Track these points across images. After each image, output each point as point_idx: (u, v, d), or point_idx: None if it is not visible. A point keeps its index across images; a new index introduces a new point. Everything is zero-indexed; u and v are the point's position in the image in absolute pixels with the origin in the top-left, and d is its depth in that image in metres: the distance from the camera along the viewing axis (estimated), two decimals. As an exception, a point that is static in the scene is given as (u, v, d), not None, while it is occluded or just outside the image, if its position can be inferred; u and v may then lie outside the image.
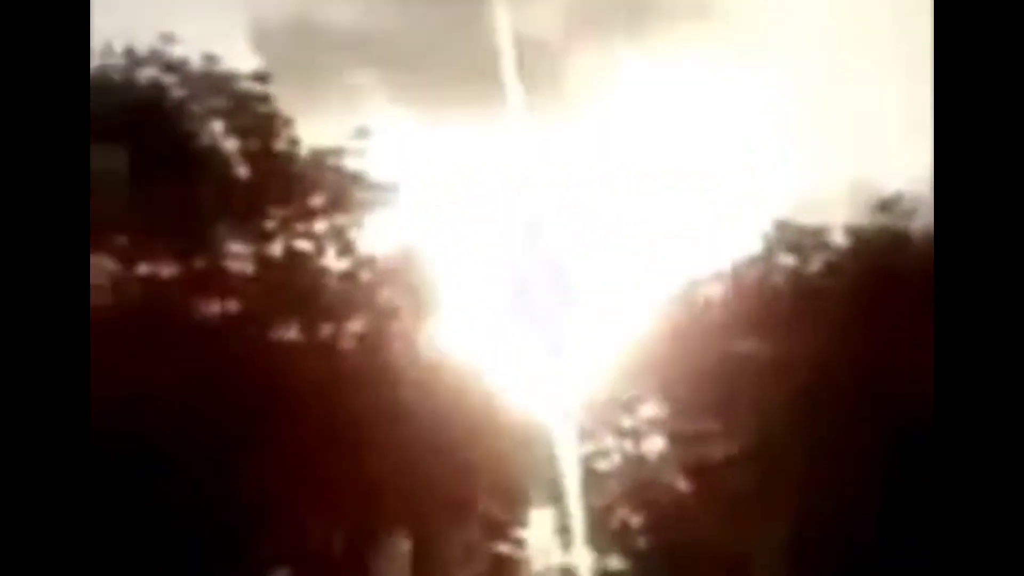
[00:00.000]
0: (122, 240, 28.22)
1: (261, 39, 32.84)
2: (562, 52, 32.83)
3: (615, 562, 33.34)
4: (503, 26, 30.96)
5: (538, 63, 31.69)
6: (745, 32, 33.64)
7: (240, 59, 30.12)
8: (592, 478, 32.35)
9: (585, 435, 32.60)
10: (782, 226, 33.14)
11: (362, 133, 29.93)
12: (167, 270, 28.95)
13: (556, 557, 33.21)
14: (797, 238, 33.17)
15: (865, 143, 33.00)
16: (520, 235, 31.74)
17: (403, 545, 30.01)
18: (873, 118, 33.46)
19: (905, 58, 30.22)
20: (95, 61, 28.06)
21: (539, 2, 33.36)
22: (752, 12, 33.73)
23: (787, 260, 33.30)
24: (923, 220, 31.66)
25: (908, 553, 26.83)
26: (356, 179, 29.94)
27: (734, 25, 33.65)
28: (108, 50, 28.75)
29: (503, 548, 32.62)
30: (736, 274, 33.41)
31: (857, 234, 32.87)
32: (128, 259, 28.49)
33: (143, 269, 28.70)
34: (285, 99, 29.66)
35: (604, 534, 32.86)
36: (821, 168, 32.87)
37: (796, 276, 33.17)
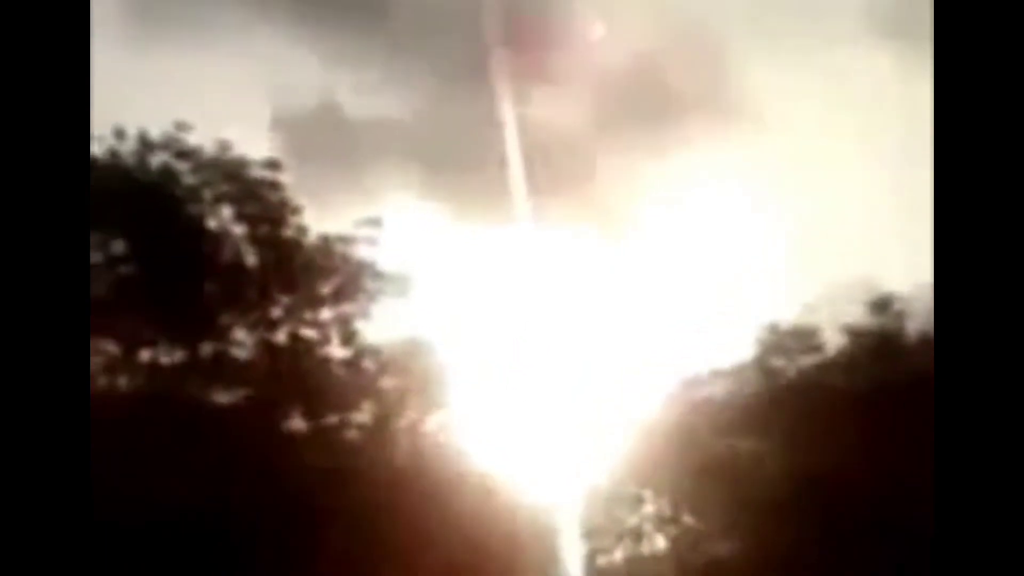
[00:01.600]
0: (126, 325, 28.16)
1: (279, 126, 33.04)
2: (580, 150, 33.01)
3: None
4: (510, 125, 31.25)
5: (557, 158, 31.90)
6: (745, 131, 34.00)
7: (255, 145, 30.21)
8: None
9: (589, 532, 32.44)
10: (774, 328, 33.50)
11: (373, 222, 30.02)
12: (171, 356, 28.86)
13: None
14: (789, 340, 33.53)
15: (863, 245, 33.32)
16: (527, 332, 31.72)
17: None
18: (872, 221, 33.84)
19: (904, 159, 30.65)
20: (105, 145, 28.30)
21: (565, 97, 33.55)
22: (753, 113, 34.11)
23: (779, 361, 33.60)
24: (917, 322, 31.95)
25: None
26: (365, 268, 29.96)
27: (735, 126, 33.98)
28: (121, 135, 28.87)
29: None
30: (733, 374, 33.68)
31: (851, 335, 33.12)
32: (131, 344, 28.43)
33: (146, 355, 28.63)
34: (299, 187, 29.74)
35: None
36: (817, 269, 33.22)
37: (789, 376, 33.41)
